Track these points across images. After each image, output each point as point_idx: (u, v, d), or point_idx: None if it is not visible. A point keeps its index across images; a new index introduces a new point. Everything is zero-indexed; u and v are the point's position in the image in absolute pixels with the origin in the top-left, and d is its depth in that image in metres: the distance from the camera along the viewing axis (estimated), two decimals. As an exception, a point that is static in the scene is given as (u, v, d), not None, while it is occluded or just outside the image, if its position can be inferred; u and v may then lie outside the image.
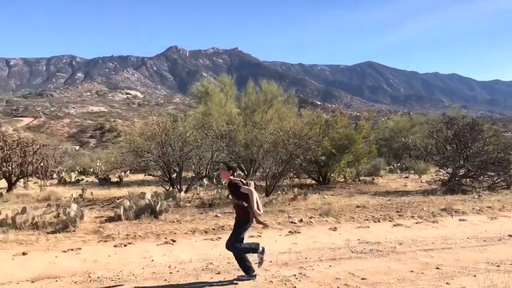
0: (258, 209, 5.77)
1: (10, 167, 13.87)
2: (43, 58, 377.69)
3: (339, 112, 21.55)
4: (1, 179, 14.87)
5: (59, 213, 9.49)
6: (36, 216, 9.40)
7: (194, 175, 15.49)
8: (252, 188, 5.90)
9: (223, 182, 15.49)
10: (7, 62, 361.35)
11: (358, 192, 15.73)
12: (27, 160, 14.19)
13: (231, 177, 5.91)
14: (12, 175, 14.40)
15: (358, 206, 12.02)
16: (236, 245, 5.74)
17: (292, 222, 9.83)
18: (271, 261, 6.66)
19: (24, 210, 9.48)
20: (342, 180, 19.26)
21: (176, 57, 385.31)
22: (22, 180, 15.34)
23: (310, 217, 10.34)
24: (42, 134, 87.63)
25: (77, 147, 69.31)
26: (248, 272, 5.80)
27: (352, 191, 15.89)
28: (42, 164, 14.36)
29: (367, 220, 10.27)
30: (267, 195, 13.51)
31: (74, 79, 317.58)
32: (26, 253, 7.35)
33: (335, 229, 9.27)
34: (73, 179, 19.45)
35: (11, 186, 14.72)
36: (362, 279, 5.87)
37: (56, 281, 5.95)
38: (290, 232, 8.93)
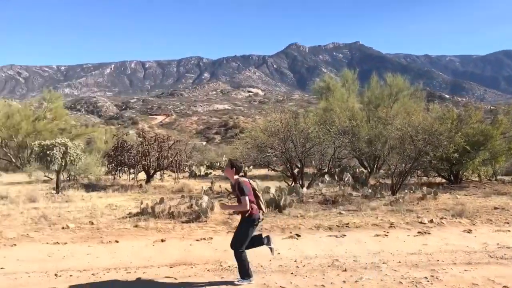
0: (261, 205, 5.75)
1: (149, 161, 15.23)
2: (174, 60, 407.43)
3: (473, 106, 19.78)
4: (141, 171, 16.37)
5: (192, 204, 10.15)
6: (172, 206, 10.17)
7: (315, 171, 15.48)
8: (253, 184, 5.83)
9: (346, 179, 15.27)
10: (143, 64, 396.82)
11: (495, 192, 14.38)
12: (163, 154, 15.46)
13: (235, 175, 5.80)
14: (150, 168, 15.79)
15: (496, 208, 11.01)
16: (240, 251, 5.63)
17: (421, 222, 9.32)
18: (399, 262, 6.39)
19: (162, 201, 10.33)
20: (476, 179, 17.77)
21: (296, 54, 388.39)
22: (158, 172, 16.73)
23: (441, 218, 9.72)
24: (173, 131, 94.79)
25: (204, 143, 73.65)
26: (245, 273, 5.67)
27: (488, 191, 14.56)
28: (176, 158, 15.52)
29: (507, 223, 9.34)
30: (393, 194, 12.99)
31: (201, 79, 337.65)
32: (164, 240, 8.00)
33: (469, 231, 8.57)
34: (202, 173, 20.71)
35: (149, 178, 16.15)
36: (504, 286, 5.35)
37: (191, 267, 6.37)
38: (419, 232, 8.47)
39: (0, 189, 13.71)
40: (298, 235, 8.22)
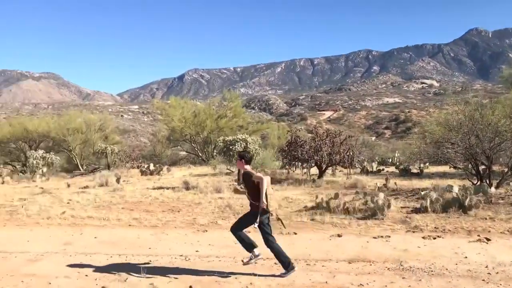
0: (262, 198, 5.68)
1: (321, 156, 15.50)
2: (341, 55, 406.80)
3: None
4: (313, 166, 16.74)
5: (366, 201, 10.00)
6: (347, 202, 10.17)
7: (505, 169, 13.83)
8: (257, 177, 5.75)
9: None
10: (312, 61, 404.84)
11: None
12: (335, 150, 15.56)
13: (246, 166, 5.93)
14: (322, 163, 16.05)
15: None
16: (271, 242, 5.88)
17: None
18: None
19: (336, 196, 10.39)
20: None
21: (477, 39, 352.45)
22: (330, 168, 16.90)
23: None
24: (341, 126, 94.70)
25: (373, 138, 72.02)
26: (286, 261, 5.79)
27: None
28: (348, 153, 15.50)
29: None
30: None
31: (370, 73, 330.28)
32: (341, 235, 8.05)
33: None
34: (374, 169, 20.26)
35: (321, 173, 16.43)
36: None
37: (370, 265, 6.28)
38: None
39: (190, 180, 15.42)
40: (488, 239, 7.46)
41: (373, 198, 9.81)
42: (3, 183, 16.75)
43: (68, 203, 11.93)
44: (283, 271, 5.81)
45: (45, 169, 19.89)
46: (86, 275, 6.06)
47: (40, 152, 21.53)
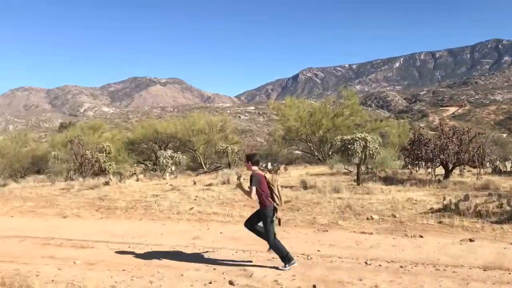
0: (275, 197, 6.32)
1: (447, 155, 14.51)
2: (467, 46, 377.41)
3: None
4: (438, 166, 15.73)
5: (502, 203, 9.18)
6: (478, 204, 9.41)
7: None
8: (268, 178, 6.33)
9: None
10: (433, 55, 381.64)
11: None
12: (463, 148, 14.47)
13: (253, 167, 6.46)
14: (448, 163, 15.02)
15: None
16: (272, 242, 6.34)
17: None
18: None
19: (466, 198, 9.67)
20: None
21: None
22: (457, 168, 15.76)
23: None
24: (467, 123, 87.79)
25: (505, 135, 65.57)
26: (284, 259, 6.27)
27: None
28: (478, 152, 14.31)
29: None
30: None
31: (500, 64, 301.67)
32: (473, 240, 7.47)
33: None
34: (508, 169, 18.41)
35: (448, 173, 15.38)
36: None
37: (509, 273, 5.75)
38: None
39: (308, 179, 15.46)
40: None
41: (509, 201, 8.95)
42: (137, 180, 18.42)
43: (195, 199, 12.72)
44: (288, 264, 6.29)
45: (173, 168, 21.48)
46: (214, 269, 6.42)
47: (169, 152, 23.28)
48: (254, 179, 6.41)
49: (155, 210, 11.53)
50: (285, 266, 6.26)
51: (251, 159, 6.59)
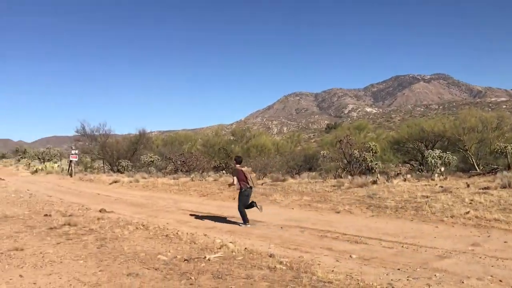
0: (248, 182, 10.88)
1: None
2: None
3: None
4: None
5: None
6: None
7: None
8: (244, 170, 10.98)
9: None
10: None
11: None
12: None
13: (237, 165, 11.18)
14: None
15: None
16: (240, 209, 10.83)
17: None
18: None
19: None
20: None
21: None
22: None
23: None
24: None
25: None
26: (244, 220, 10.69)
27: None
28: None
29: None
30: None
31: None
32: None
33: None
34: None
35: None
36: None
37: None
38: None
39: None
40: None
41: None
42: (405, 180, 18.07)
43: (470, 203, 11.69)
44: (241, 222, 10.73)
45: (442, 168, 20.25)
46: (500, 281, 5.78)
47: (437, 151, 22.08)
48: (233, 173, 11.29)
49: (426, 212, 11.10)
50: (243, 224, 10.68)
51: (236, 160, 11.47)
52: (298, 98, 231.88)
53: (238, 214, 10.89)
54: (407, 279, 5.91)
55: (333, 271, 6.23)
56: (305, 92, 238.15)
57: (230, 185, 11.88)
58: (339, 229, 9.82)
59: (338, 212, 12.12)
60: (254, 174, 11.42)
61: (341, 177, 20.12)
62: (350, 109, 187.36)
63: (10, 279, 5.38)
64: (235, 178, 10.99)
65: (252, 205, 10.97)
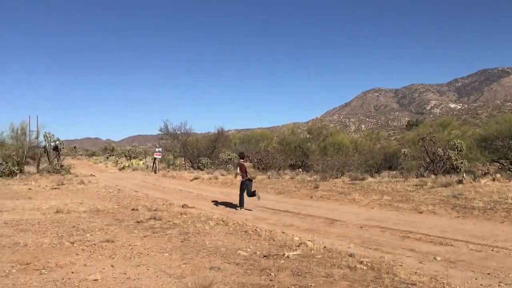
0: (247, 175, 13.29)
1: None
2: None
3: None
4: None
5: None
6: None
7: None
8: (245, 165, 13.52)
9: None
10: None
11: None
12: None
13: (241, 160, 13.80)
14: None
15: None
16: (240, 194, 13.44)
17: None
18: None
19: None
20: None
21: None
22: None
23: None
24: None
25: None
26: (240, 204, 13.33)
27: None
28: None
29: None
30: None
31: None
32: None
33: None
34: None
35: None
36: None
37: None
38: None
39: None
40: None
41: None
42: (494, 180, 16.94)
43: None
44: (237, 205, 13.56)
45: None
46: None
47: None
48: (237, 165, 14.06)
49: (519, 214, 10.33)
50: (237, 207, 13.43)
51: (240, 156, 14.30)
52: (377, 94, 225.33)
53: (315, 213, 10.85)
54: (499, 285, 5.56)
55: (416, 272, 6.00)
56: (384, 88, 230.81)
57: (236, 175, 14.73)
58: (422, 229, 9.43)
59: (421, 212, 11.64)
60: (253, 169, 14.36)
61: (423, 176, 19.29)
62: (432, 105, 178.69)
63: (103, 269, 5.77)
64: (238, 169, 13.90)
65: (254, 194, 13.38)
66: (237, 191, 14.27)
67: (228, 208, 13.67)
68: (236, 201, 14.11)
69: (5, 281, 5.13)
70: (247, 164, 13.81)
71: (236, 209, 13.23)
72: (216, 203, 15.09)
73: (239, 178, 13.84)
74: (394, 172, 25.29)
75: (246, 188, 13.34)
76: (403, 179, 18.67)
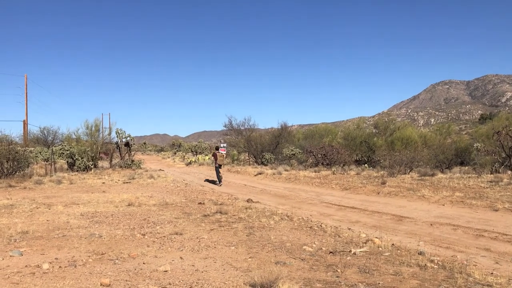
0: (217, 162, 20.85)
1: None
2: None
3: None
4: None
5: None
6: None
7: None
8: (219, 160, 20.83)
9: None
10: None
11: None
12: None
13: (215, 151, 21.40)
14: None
15: None
16: (217, 173, 20.65)
17: None
18: None
19: None
20: None
21: None
22: None
23: None
24: None
25: None
26: (219, 181, 20.43)
27: None
28: None
29: None
30: None
31: None
32: None
33: None
34: None
35: None
36: None
37: None
38: None
39: None
40: None
41: None
42: None
43: None
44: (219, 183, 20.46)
45: None
46: None
47: None
48: (213, 154, 21.50)
49: None
50: (218, 183, 20.23)
51: (215, 148, 22.54)
52: (447, 86, 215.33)
53: (382, 210, 10.56)
54: None
55: (492, 273, 5.68)
56: (455, 80, 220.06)
57: (213, 162, 21.32)
58: (498, 228, 8.91)
59: (496, 210, 10.99)
60: (224, 157, 22.03)
61: (498, 172, 18.21)
62: (508, 97, 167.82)
63: (173, 260, 5.97)
64: (213, 157, 21.36)
65: (220, 177, 20.58)
66: (301, 186, 14.75)
67: (292, 203, 13.66)
68: (301, 198, 14.06)
69: (83, 269, 5.45)
70: (219, 154, 21.10)
71: (217, 185, 20.08)
72: (280, 198, 15.14)
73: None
74: (466, 167, 24.12)
75: (216, 170, 20.63)
76: (476, 175, 17.73)
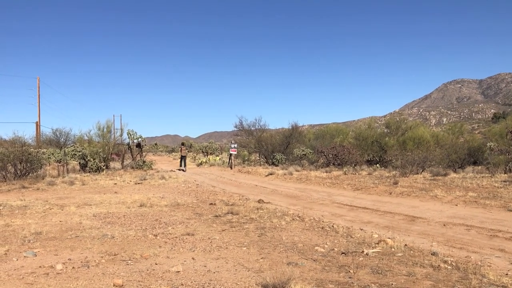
0: (182, 154, 33.24)
1: None
2: None
3: None
4: None
5: None
6: None
7: None
8: (183, 153, 32.91)
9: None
10: None
11: None
12: None
13: (182, 146, 33.71)
14: None
15: None
16: (181, 163, 32.79)
17: None
18: None
19: None
20: None
21: None
22: None
23: None
24: None
25: None
26: (181, 168, 32.04)
27: None
28: None
29: None
30: None
31: None
32: None
33: None
34: None
35: None
36: None
37: None
38: None
39: None
40: None
41: None
42: None
43: None
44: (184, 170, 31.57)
45: None
46: None
47: None
48: (180, 149, 33.96)
49: None
50: (183, 170, 30.76)
51: (182, 144, 34.72)
52: (459, 85, 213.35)
53: (395, 210, 10.47)
54: None
55: (507, 274, 5.61)
56: (467, 79, 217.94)
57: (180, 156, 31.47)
58: (513, 229, 8.80)
59: (511, 210, 10.86)
60: (187, 152, 32.28)
61: (512, 172, 17.99)
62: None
63: (185, 261, 5.98)
64: (180, 150, 30.99)
65: (183, 165, 30.08)
66: (312, 187, 14.84)
67: (303, 204, 13.62)
68: (312, 198, 13.99)
69: (96, 270, 5.49)
70: (183, 148, 32.41)
71: (180, 170, 27.57)
72: (291, 198, 15.11)
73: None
74: (479, 167, 23.87)
75: (182, 160, 30.27)
76: (490, 175, 17.53)
